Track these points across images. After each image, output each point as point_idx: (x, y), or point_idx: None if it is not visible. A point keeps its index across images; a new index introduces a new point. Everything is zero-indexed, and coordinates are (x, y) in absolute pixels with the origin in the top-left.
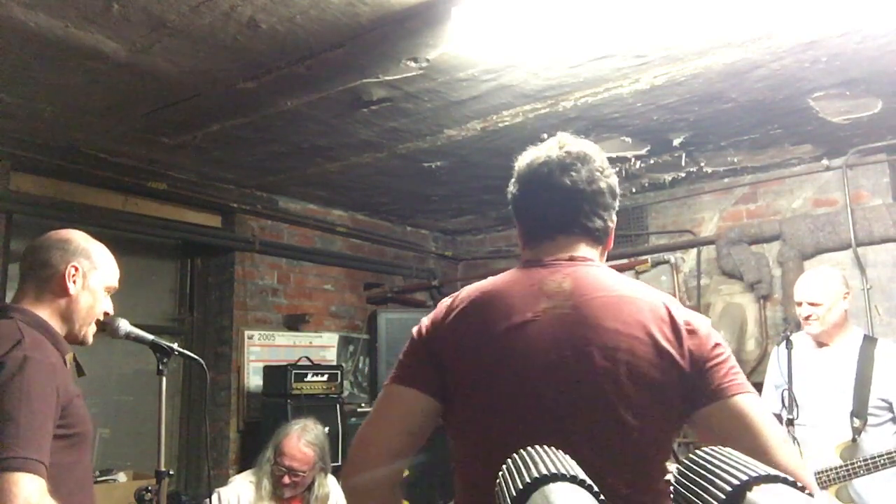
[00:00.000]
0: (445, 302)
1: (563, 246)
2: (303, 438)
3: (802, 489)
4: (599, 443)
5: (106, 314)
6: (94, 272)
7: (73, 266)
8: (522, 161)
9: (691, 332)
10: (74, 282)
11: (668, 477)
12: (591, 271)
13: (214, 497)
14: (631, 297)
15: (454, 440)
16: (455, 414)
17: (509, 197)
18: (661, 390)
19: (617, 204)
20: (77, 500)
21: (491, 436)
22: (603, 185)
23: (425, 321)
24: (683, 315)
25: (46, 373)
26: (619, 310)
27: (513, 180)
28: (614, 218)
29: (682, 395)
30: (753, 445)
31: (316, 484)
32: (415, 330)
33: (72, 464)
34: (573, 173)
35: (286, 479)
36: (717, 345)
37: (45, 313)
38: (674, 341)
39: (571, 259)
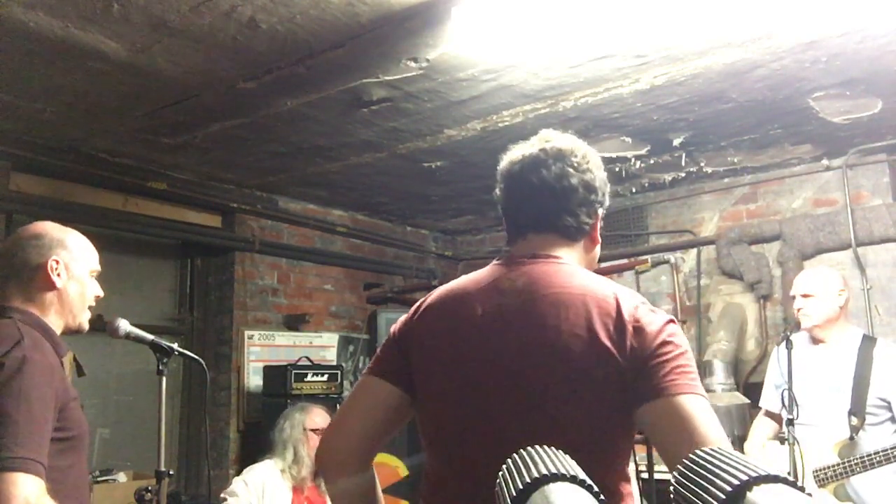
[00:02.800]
0: (419, 301)
1: (533, 244)
2: (317, 406)
3: (802, 489)
4: (533, 438)
5: (97, 297)
6: (74, 261)
7: (54, 259)
8: (504, 160)
9: (638, 329)
10: (59, 275)
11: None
12: (548, 268)
13: (241, 483)
14: (581, 293)
15: (420, 432)
16: (417, 406)
17: (495, 198)
18: (599, 387)
19: (601, 198)
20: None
21: (438, 427)
22: (575, 181)
23: (400, 319)
24: (634, 312)
25: (45, 374)
26: (565, 307)
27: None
28: (597, 212)
29: (620, 390)
30: (686, 446)
31: None
32: (392, 327)
33: (67, 467)
34: (543, 171)
35: None
36: (665, 343)
37: (39, 312)
38: (615, 338)
39: (534, 256)
